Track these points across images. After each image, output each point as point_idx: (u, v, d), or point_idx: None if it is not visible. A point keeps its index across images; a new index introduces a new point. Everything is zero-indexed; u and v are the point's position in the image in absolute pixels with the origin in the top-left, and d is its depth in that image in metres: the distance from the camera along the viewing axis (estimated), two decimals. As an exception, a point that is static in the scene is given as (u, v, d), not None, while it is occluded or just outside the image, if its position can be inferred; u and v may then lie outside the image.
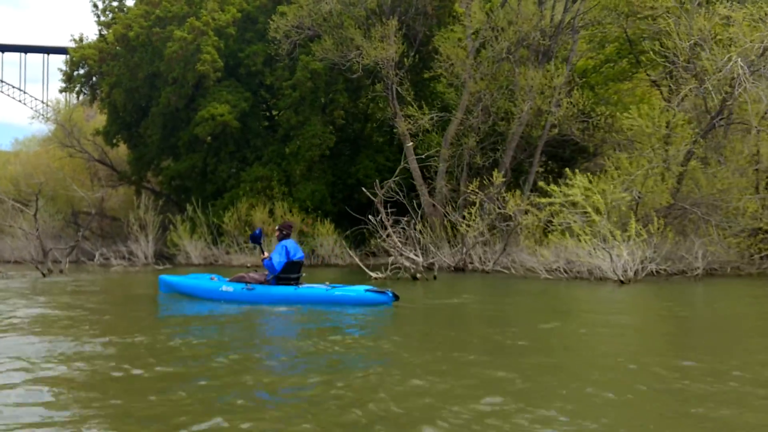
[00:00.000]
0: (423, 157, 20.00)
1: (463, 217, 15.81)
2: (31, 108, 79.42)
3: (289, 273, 8.50)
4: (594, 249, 12.28)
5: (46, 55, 78.07)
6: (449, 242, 17.97)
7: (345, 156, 25.36)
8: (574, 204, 12.59)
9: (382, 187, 13.94)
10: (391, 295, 7.91)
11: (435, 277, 12.77)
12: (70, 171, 28.10)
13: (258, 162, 23.93)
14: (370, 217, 13.69)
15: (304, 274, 8.86)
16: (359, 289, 8.07)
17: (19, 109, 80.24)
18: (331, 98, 22.96)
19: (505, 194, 15.42)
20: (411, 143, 20.09)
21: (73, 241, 18.14)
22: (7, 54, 77.95)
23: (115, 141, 25.93)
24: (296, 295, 8.20)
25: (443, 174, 20.76)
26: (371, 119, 25.92)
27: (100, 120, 31.78)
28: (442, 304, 9.00)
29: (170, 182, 25.73)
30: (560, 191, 13.09)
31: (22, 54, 77.50)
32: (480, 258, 16.06)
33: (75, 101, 32.00)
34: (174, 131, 24.47)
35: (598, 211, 12.23)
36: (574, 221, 12.22)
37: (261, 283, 8.58)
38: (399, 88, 20.29)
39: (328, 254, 20.23)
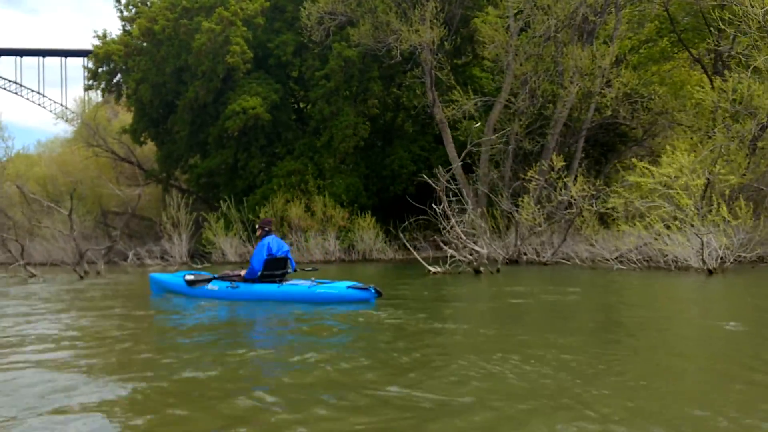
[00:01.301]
0: (471, 144, 19.03)
1: (516, 205, 14.85)
2: (50, 111, 79.59)
3: (273, 270, 8.31)
4: (670, 235, 11.30)
5: (63, 58, 78.13)
6: (496, 232, 17.08)
7: (378, 147, 24.53)
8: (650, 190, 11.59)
9: (447, 172, 12.98)
10: (373, 291, 7.54)
11: (498, 270, 11.86)
12: (96, 171, 27.60)
13: (289, 156, 23.19)
14: (433, 206, 12.73)
15: (290, 271, 8.60)
16: (342, 286, 7.74)
17: (39, 113, 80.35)
18: (365, 87, 22.10)
19: (565, 180, 14.39)
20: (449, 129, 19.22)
21: (110, 242, 17.53)
22: (25, 58, 78.15)
23: (142, 139, 25.32)
24: (279, 292, 7.97)
25: (486, 161, 19.83)
26: (405, 108, 25.05)
27: (122, 119, 31.32)
28: (549, 299, 8.06)
29: (198, 180, 25.10)
30: (654, 172, 12.01)
31: (41, 58, 77.64)
32: (535, 249, 15.14)
33: (99, 100, 31.52)
34: (202, 127, 23.80)
35: (685, 194, 11.24)
36: (664, 205, 11.22)
37: (245, 280, 8.45)
38: (438, 74, 19.38)
39: (368, 249, 19.41)
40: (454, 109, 18.34)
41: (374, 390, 3.47)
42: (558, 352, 4.35)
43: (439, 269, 12.01)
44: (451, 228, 11.83)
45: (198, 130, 23.79)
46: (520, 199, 15.43)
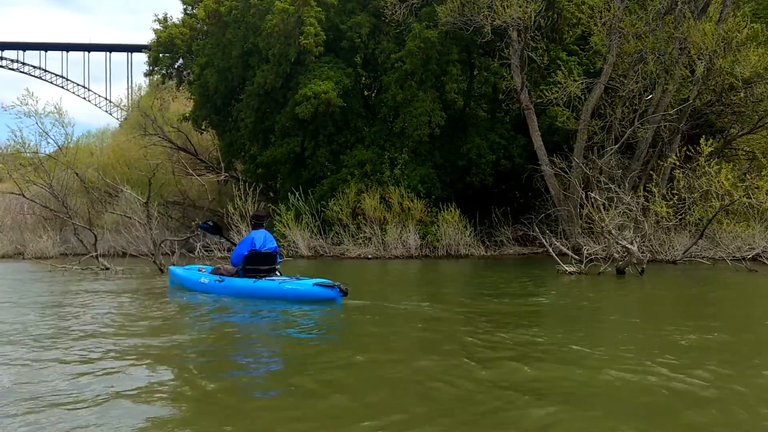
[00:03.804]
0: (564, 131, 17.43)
1: (646, 198, 13.08)
2: (95, 105, 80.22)
3: (257, 265, 8.16)
4: None
5: (108, 53, 78.67)
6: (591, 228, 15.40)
7: (453, 135, 22.94)
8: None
9: (600, 157, 11.36)
10: (338, 290, 7.23)
11: (642, 271, 10.21)
12: (152, 160, 26.68)
13: (360, 144, 21.80)
14: (589, 194, 11.12)
15: (278, 265, 8.43)
16: (308, 283, 7.58)
17: (84, 107, 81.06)
18: (443, 71, 20.55)
19: (710, 168, 12.54)
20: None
21: (189, 232, 16.43)
22: (71, 54, 78.91)
23: (204, 126, 24.22)
24: (253, 288, 7.95)
25: (581, 150, 18.14)
26: (478, 94, 23.44)
27: (174, 109, 30.39)
28: None
29: (256, 170, 23.88)
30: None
31: (86, 53, 78.27)
32: (651, 246, 13.40)
33: (145, 91, 30.71)
34: (267, 114, 22.57)
35: None
36: None
37: (232, 275, 8.45)
38: (532, 55, 17.75)
39: (453, 245, 17.89)
40: (556, 92, 16.63)
41: None
42: None
43: (572, 269, 10.46)
44: (599, 220, 10.14)
45: (263, 118, 22.57)
46: (638, 191, 13.70)
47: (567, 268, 10.32)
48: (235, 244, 9.05)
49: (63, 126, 20.22)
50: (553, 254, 10.67)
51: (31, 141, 20.53)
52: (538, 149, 19.30)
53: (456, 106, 23.21)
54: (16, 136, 20.61)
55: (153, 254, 14.31)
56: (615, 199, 10.15)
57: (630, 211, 10.28)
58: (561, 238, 16.90)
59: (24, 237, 26.20)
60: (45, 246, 23.81)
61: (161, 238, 14.38)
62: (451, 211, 18.06)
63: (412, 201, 19.01)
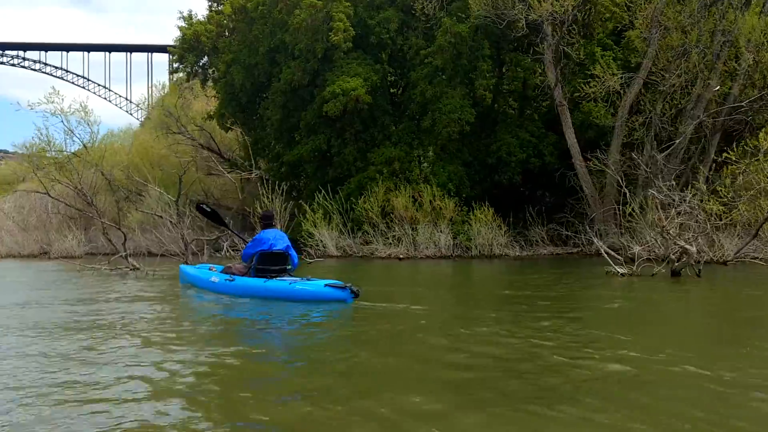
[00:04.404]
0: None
1: (703, 196, 12.44)
2: (116, 105, 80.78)
3: (268, 265, 8.11)
4: None
5: (129, 53, 79.11)
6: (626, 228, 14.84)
7: (481, 132, 22.45)
8: None
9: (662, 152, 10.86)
10: (349, 291, 7.16)
11: (699, 273, 9.68)
12: (175, 159, 26.53)
13: (387, 142, 21.40)
14: (652, 192, 10.59)
15: (290, 267, 8.32)
16: (319, 284, 7.51)
17: (105, 107, 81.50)
18: (473, 66, 20.08)
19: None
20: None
21: (219, 232, 16.15)
22: (92, 54, 79.45)
23: (229, 124, 23.97)
24: (264, 288, 7.89)
25: (618, 147, 17.58)
26: (507, 90, 22.95)
27: (196, 108, 30.23)
28: None
29: (279, 168, 23.57)
30: None
31: (107, 53, 78.78)
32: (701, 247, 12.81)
33: (166, 90, 30.60)
34: (293, 112, 22.25)
35: None
36: None
37: (243, 274, 8.37)
38: (568, 50, 17.23)
39: (487, 245, 17.41)
40: (594, 86, 16.09)
41: None
42: None
43: (623, 270, 9.97)
44: (658, 219, 9.63)
45: (289, 115, 22.26)
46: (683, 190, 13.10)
47: (618, 270, 9.82)
48: (240, 237, 9.74)
49: (89, 124, 20.05)
50: (606, 255, 10.15)
51: (56, 139, 20.42)
52: (572, 146, 18.76)
53: (484, 103, 22.73)
54: (41, 135, 20.44)
55: (183, 254, 14.05)
56: (677, 198, 9.62)
57: (691, 210, 9.73)
58: (596, 238, 16.42)
59: (49, 236, 26.20)
60: (70, 245, 23.76)
61: (191, 237, 14.05)
62: (484, 209, 17.56)
63: (443, 199, 18.56)
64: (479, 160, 21.47)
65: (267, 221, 8.65)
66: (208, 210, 10.81)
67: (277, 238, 8.28)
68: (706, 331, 5.61)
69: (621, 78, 16.13)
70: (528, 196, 22.30)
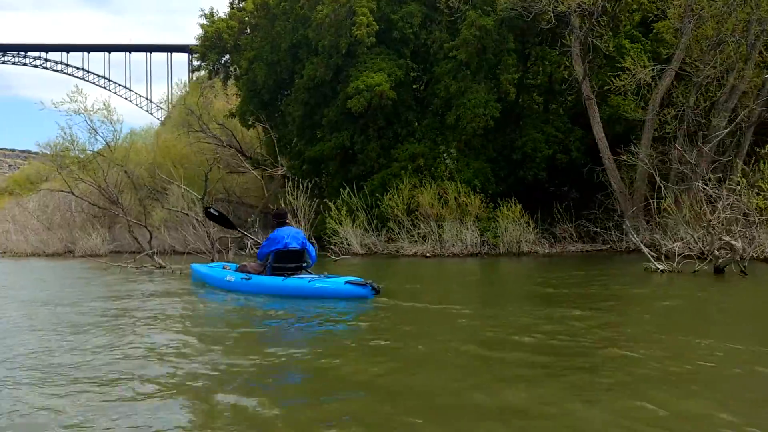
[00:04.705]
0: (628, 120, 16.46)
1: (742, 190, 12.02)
2: (137, 105, 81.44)
3: (285, 263, 8.09)
4: None
5: (148, 54, 79.73)
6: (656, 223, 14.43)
7: (505, 128, 22.08)
8: None
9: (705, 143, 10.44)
10: (370, 288, 7.17)
11: (743, 271, 9.29)
12: (197, 158, 26.54)
13: (411, 138, 21.14)
14: (698, 184, 10.23)
15: (306, 264, 8.26)
16: (339, 281, 7.49)
17: (126, 107, 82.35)
18: (498, 61, 19.74)
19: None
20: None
21: (245, 229, 16.00)
22: (113, 55, 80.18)
23: (250, 122, 23.87)
24: (282, 286, 7.82)
25: (649, 141, 17.14)
26: (532, 84, 22.57)
27: (217, 106, 30.23)
28: None
29: (302, 166, 23.41)
30: None
31: (127, 54, 79.48)
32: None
33: (200, 85, 30.63)
34: (315, 108, 22.07)
35: None
36: None
37: (259, 273, 8.30)
38: (597, 42, 16.84)
39: (515, 242, 17.08)
40: (624, 79, 15.70)
41: None
42: None
43: (662, 267, 9.62)
44: (703, 213, 9.28)
45: (311, 112, 22.10)
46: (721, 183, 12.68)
47: (658, 266, 9.48)
48: (251, 238, 9.42)
49: (112, 123, 20.05)
50: (646, 252, 9.82)
51: (80, 139, 20.49)
52: (600, 141, 18.33)
53: (508, 98, 22.37)
54: (65, 134, 20.51)
55: (210, 252, 13.95)
56: (725, 192, 9.25)
57: (739, 204, 9.34)
58: (626, 234, 16.02)
59: (73, 235, 26.36)
60: (95, 244, 23.86)
61: (217, 236, 13.95)
62: (511, 206, 17.23)
63: (468, 196, 18.25)
64: (504, 155, 21.11)
65: (280, 219, 8.61)
66: (216, 214, 10.73)
67: (291, 235, 8.24)
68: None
69: (653, 70, 15.67)
70: (554, 192, 21.90)
